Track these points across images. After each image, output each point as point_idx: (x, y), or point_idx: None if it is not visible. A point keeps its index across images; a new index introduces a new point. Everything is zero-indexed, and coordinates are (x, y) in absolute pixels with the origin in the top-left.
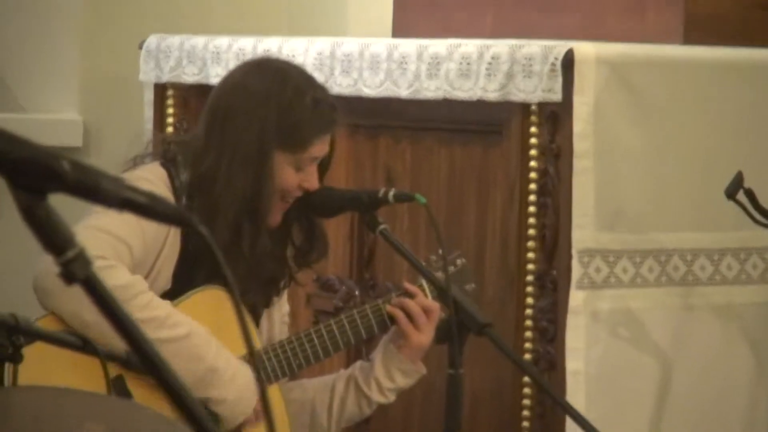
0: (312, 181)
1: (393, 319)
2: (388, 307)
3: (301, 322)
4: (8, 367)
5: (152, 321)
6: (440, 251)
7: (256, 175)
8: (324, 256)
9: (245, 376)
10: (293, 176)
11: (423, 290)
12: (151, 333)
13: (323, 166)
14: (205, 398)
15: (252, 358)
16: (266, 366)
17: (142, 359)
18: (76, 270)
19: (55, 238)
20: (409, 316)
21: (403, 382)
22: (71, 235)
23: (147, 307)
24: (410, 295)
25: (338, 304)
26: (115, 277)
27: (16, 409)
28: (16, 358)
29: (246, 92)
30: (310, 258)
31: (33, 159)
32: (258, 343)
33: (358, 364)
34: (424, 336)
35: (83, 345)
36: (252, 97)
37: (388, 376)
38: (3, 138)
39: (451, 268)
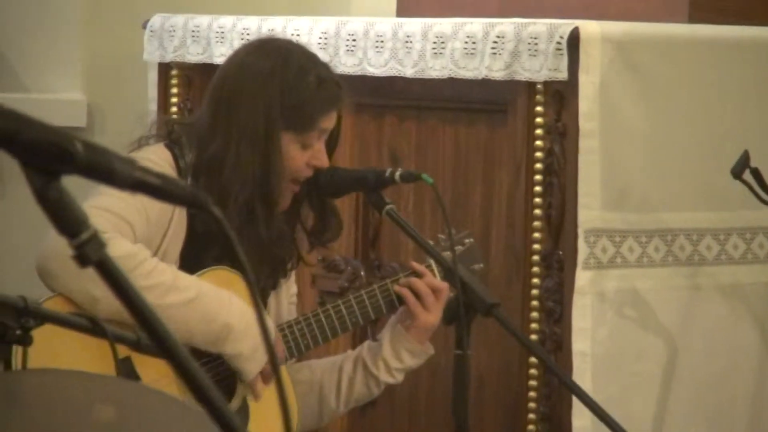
0: (321, 158)
1: (401, 299)
2: (397, 287)
3: (306, 303)
4: (17, 350)
5: (159, 287)
6: (452, 237)
7: (264, 157)
8: (338, 236)
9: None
10: (301, 155)
11: (431, 270)
12: (160, 299)
13: (330, 146)
14: (221, 353)
15: (269, 348)
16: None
17: (156, 342)
18: (90, 252)
19: (68, 221)
20: (418, 295)
21: (411, 362)
22: (85, 217)
23: (152, 273)
24: (418, 275)
25: (343, 285)
26: (116, 247)
27: (27, 392)
28: (26, 341)
29: (250, 74)
30: (324, 237)
31: (46, 140)
32: None
33: (366, 344)
34: (432, 316)
35: (92, 327)
36: (256, 79)
37: (397, 356)
38: (16, 119)
39: (459, 248)
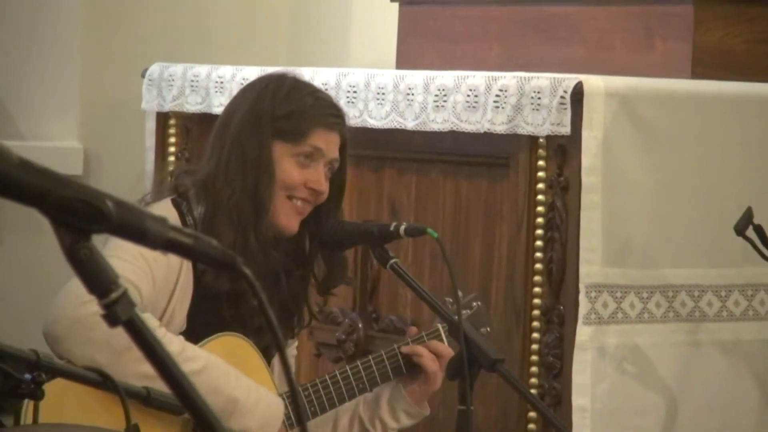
0: (318, 181)
1: (408, 365)
2: (405, 348)
3: (303, 354)
4: (28, 404)
5: None
6: (459, 294)
7: (253, 162)
8: (344, 280)
9: (266, 403)
10: (296, 171)
11: (439, 334)
12: None
13: (336, 186)
14: (228, 430)
15: (294, 402)
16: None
17: (182, 399)
18: (120, 312)
19: (98, 279)
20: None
21: (407, 422)
22: (115, 276)
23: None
24: (422, 340)
25: (341, 337)
26: None
27: None
28: (38, 395)
29: (246, 94)
30: (329, 285)
31: (77, 199)
32: (272, 386)
33: (362, 398)
34: (435, 382)
35: (103, 381)
36: (250, 96)
37: (394, 417)
38: (48, 177)
39: (467, 312)
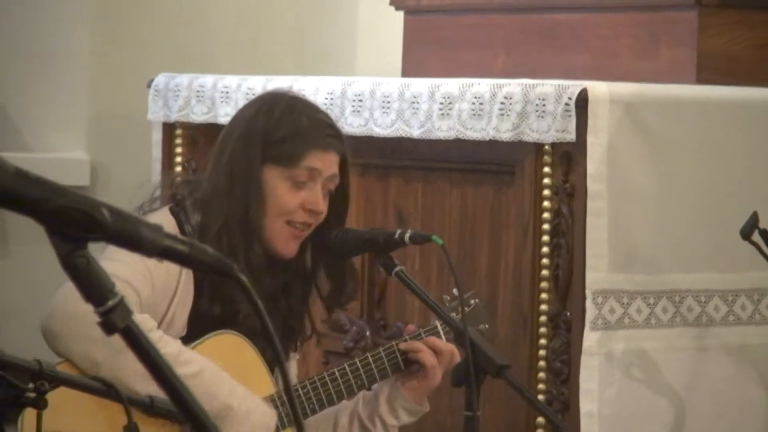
0: (315, 201)
1: (407, 362)
2: (404, 345)
3: (311, 362)
4: (29, 413)
5: None
6: (455, 291)
7: (244, 191)
8: (354, 297)
9: (259, 412)
10: (292, 195)
11: (437, 331)
12: None
13: (338, 204)
14: None
15: (289, 397)
16: (280, 411)
17: (180, 407)
18: (117, 320)
19: (94, 288)
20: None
21: (406, 419)
22: (111, 284)
23: (156, 344)
24: (421, 337)
25: (348, 345)
26: None
27: None
28: (41, 404)
29: (244, 113)
30: (341, 300)
31: (73, 208)
32: (270, 384)
33: (361, 396)
34: (434, 378)
35: (107, 390)
36: (247, 115)
37: (393, 414)
38: (42, 186)
39: (465, 309)
